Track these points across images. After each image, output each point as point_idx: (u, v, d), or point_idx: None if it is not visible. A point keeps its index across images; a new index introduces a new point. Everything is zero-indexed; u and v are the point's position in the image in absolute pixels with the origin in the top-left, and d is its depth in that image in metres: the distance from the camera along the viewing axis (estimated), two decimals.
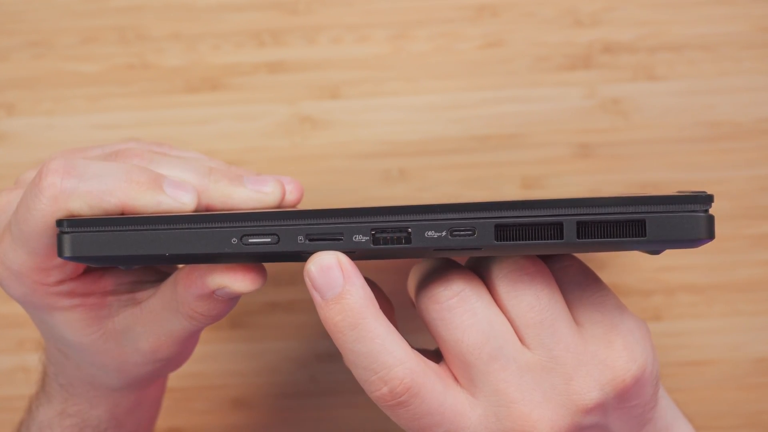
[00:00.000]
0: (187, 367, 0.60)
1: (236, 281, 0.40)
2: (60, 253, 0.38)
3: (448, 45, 0.59)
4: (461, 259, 0.42)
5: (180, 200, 0.40)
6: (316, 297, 0.38)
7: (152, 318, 0.42)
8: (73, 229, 0.37)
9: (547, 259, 0.41)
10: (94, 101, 0.59)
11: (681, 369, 0.60)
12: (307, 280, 0.38)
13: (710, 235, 0.36)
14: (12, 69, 0.60)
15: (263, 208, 0.42)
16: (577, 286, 0.40)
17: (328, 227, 0.38)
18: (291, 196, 0.44)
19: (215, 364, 0.60)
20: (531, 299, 0.39)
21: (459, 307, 0.38)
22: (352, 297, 0.38)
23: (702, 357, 0.60)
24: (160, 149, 0.46)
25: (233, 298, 0.42)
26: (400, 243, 0.37)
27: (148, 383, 0.48)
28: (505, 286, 0.39)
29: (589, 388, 0.39)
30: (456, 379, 0.39)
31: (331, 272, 0.38)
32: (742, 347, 0.59)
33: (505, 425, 0.38)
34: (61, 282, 0.41)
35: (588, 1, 0.59)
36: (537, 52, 0.59)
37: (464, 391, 0.39)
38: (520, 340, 0.39)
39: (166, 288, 0.42)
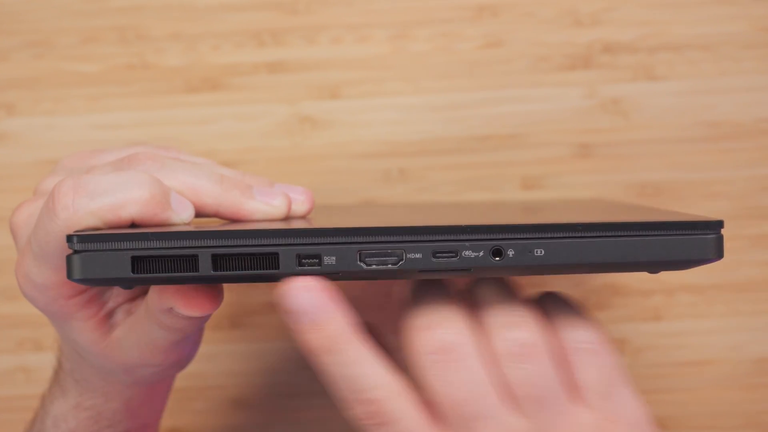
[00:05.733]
0: (187, 367, 0.60)
1: (180, 305, 0.40)
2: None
3: (448, 45, 0.59)
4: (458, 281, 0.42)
5: (180, 217, 0.40)
6: (295, 321, 0.38)
7: (138, 327, 0.43)
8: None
9: (573, 330, 0.40)
10: (94, 101, 0.59)
11: (681, 369, 0.60)
12: (285, 303, 0.38)
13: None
14: (12, 69, 0.60)
15: (270, 220, 0.42)
16: (594, 369, 0.39)
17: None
18: (302, 207, 0.44)
19: (215, 364, 0.60)
20: (525, 374, 0.38)
21: (453, 361, 0.38)
22: (334, 324, 0.37)
23: (702, 357, 0.60)
24: (168, 154, 0.46)
25: (196, 318, 0.41)
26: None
27: (157, 381, 0.48)
28: (502, 353, 0.38)
29: None
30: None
31: (313, 299, 0.37)
32: (742, 347, 0.59)
33: None
34: (80, 292, 0.42)
35: (588, 1, 0.59)
36: (537, 52, 0.59)
37: (451, 429, 0.38)
38: (508, 400, 0.38)
39: (148, 298, 0.42)
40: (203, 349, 0.60)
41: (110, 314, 0.44)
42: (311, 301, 0.37)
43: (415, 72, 0.59)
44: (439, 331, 0.38)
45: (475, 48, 0.59)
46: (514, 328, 0.38)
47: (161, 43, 0.59)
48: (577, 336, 0.39)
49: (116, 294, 0.44)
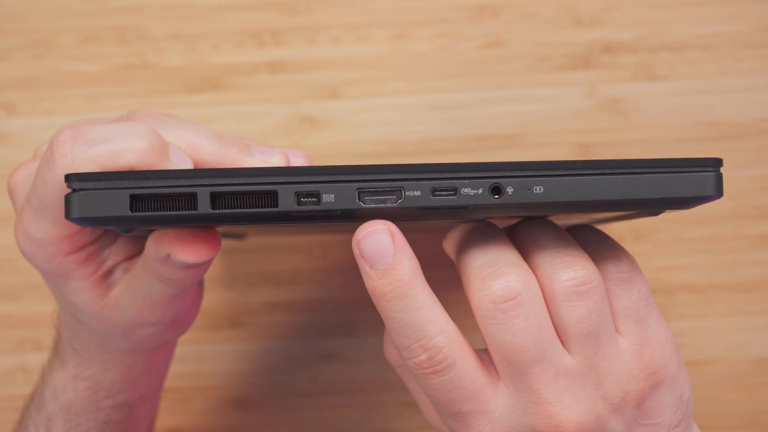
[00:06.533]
0: (187, 367, 0.60)
1: (178, 250, 0.40)
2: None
3: (448, 45, 0.59)
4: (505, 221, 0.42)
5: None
6: (365, 267, 0.38)
7: (136, 282, 0.43)
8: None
9: (604, 261, 0.41)
10: (94, 101, 0.59)
11: None
12: (355, 249, 0.38)
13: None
14: (12, 69, 0.60)
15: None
16: (627, 296, 0.40)
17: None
18: None
19: (215, 364, 0.60)
20: (583, 312, 0.39)
21: (513, 311, 0.38)
22: (403, 268, 0.38)
23: (702, 357, 0.60)
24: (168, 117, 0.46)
25: (193, 266, 0.42)
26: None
27: (156, 347, 0.49)
28: (560, 295, 0.39)
29: (614, 395, 0.39)
30: (491, 362, 0.40)
31: (383, 243, 0.38)
32: (742, 347, 0.59)
33: (532, 420, 0.39)
34: (79, 248, 0.43)
35: (588, 1, 0.59)
36: (537, 52, 0.59)
37: (494, 376, 0.39)
38: (562, 342, 0.39)
39: (145, 249, 0.42)
40: (203, 349, 0.60)
41: (108, 273, 0.44)
42: (387, 243, 0.38)
43: (415, 72, 0.59)
44: (503, 280, 0.38)
45: (475, 48, 0.59)
46: (569, 269, 0.39)
47: (161, 43, 0.59)
48: (615, 266, 0.40)
49: (114, 252, 0.44)
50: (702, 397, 0.60)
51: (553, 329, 0.39)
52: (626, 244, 0.59)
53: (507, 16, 0.59)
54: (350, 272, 0.60)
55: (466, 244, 0.41)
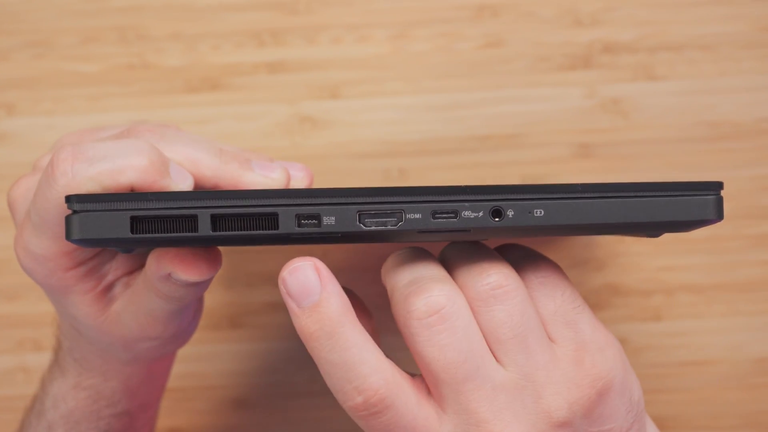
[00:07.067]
0: (187, 367, 0.60)
1: (179, 269, 0.40)
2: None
3: (448, 45, 0.59)
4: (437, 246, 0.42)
5: (179, 186, 0.41)
6: (291, 305, 0.38)
7: (137, 297, 0.43)
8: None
9: (524, 270, 0.40)
10: (94, 101, 0.60)
11: (681, 369, 0.60)
12: (281, 287, 0.38)
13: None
14: (12, 69, 0.60)
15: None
16: (551, 300, 0.40)
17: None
18: (301, 183, 0.44)
19: (215, 364, 0.60)
20: (503, 316, 0.38)
21: (438, 325, 0.38)
22: (330, 306, 0.37)
23: (702, 357, 0.60)
24: (168, 130, 0.46)
25: (194, 284, 0.41)
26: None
27: (156, 358, 0.49)
28: (478, 301, 0.38)
29: (558, 407, 0.38)
30: (429, 390, 0.39)
31: (308, 280, 0.37)
32: (742, 347, 0.59)
33: None
34: (79, 264, 0.42)
35: (588, 1, 0.59)
36: (537, 52, 0.59)
37: (435, 406, 0.39)
38: (493, 354, 0.39)
39: (146, 266, 0.42)
40: (203, 349, 0.60)
41: (109, 287, 0.44)
42: (312, 279, 0.37)
43: (415, 72, 0.59)
44: (425, 295, 0.38)
45: (475, 48, 0.59)
46: (484, 274, 0.39)
47: (161, 43, 0.59)
48: (534, 273, 0.40)
49: (115, 267, 0.44)
50: (702, 397, 0.60)
51: (484, 343, 0.38)
52: (626, 245, 0.59)
53: (507, 16, 0.59)
54: (350, 273, 0.60)
55: (393, 270, 0.40)
